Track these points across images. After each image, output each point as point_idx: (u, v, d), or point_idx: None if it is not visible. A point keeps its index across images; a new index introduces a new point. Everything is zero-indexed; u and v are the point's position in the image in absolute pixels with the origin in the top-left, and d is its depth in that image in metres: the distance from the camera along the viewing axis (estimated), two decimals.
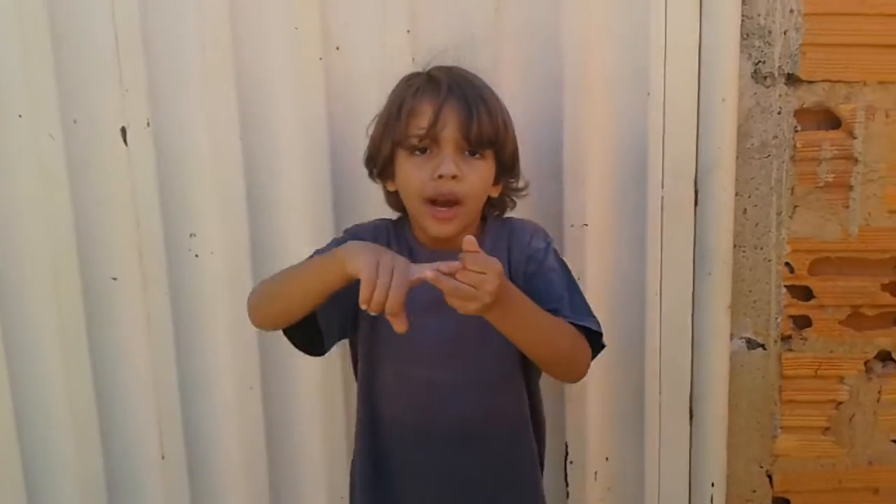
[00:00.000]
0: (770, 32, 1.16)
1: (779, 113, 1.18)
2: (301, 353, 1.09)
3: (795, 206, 1.21)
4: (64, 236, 1.15)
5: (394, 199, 0.99)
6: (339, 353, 1.19)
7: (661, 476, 1.26)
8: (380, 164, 0.96)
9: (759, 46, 1.16)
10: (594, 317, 0.95)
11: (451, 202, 0.91)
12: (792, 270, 1.23)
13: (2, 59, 1.09)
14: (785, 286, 1.23)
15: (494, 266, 0.78)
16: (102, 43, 1.09)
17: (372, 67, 1.12)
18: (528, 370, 1.00)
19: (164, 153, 1.13)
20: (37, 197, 1.13)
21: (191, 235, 1.17)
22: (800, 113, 1.18)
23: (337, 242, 0.98)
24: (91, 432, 1.21)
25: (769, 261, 1.22)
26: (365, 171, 1.14)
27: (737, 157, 1.17)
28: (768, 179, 1.20)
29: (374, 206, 1.16)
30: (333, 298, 0.88)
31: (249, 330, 1.17)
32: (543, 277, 0.95)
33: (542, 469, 1.04)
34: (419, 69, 0.97)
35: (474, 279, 0.77)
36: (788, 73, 1.17)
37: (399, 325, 0.77)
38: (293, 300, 0.89)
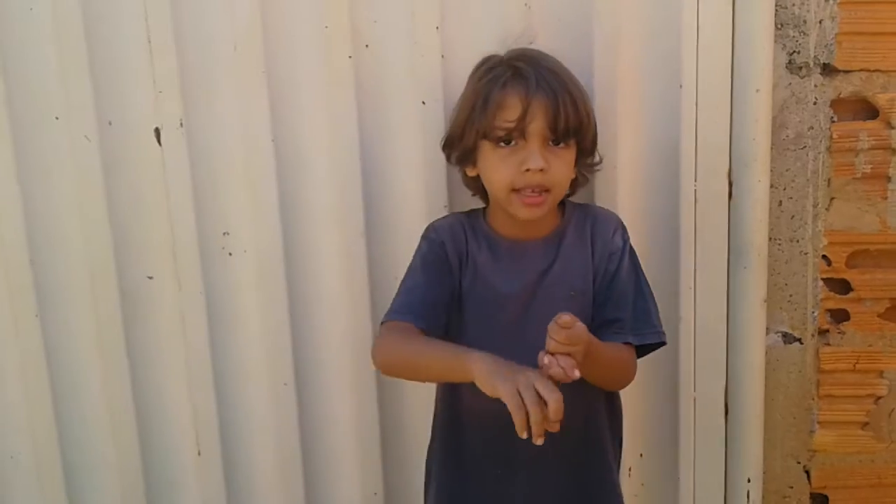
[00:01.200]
0: (805, 22, 1.14)
1: (814, 103, 1.16)
2: (335, 349, 1.15)
3: (832, 198, 1.19)
4: (100, 236, 1.16)
5: (472, 182, 1.02)
6: (370, 346, 1.20)
7: (696, 472, 1.25)
8: (461, 152, 0.98)
9: (793, 36, 1.14)
10: (654, 324, 0.99)
11: (540, 190, 0.94)
12: (829, 263, 1.21)
13: (39, 64, 1.11)
14: (822, 279, 1.21)
15: (581, 336, 0.82)
16: (136, 45, 1.10)
17: (402, 65, 1.12)
18: None
19: (197, 153, 1.14)
20: (73, 197, 1.15)
21: (224, 234, 1.18)
22: (836, 103, 1.16)
23: (422, 253, 1.02)
24: (128, 430, 1.23)
25: (805, 254, 1.21)
26: (394, 169, 1.16)
27: (772, 149, 1.16)
28: (804, 171, 1.18)
29: (403, 203, 1.17)
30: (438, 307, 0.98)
31: (282, 326, 1.20)
32: (618, 282, 1.00)
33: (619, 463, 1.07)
34: (495, 53, 0.98)
35: (570, 351, 0.81)
36: (824, 63, 1.15)
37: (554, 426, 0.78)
38: (419, 376, 0.99)
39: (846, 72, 1.15)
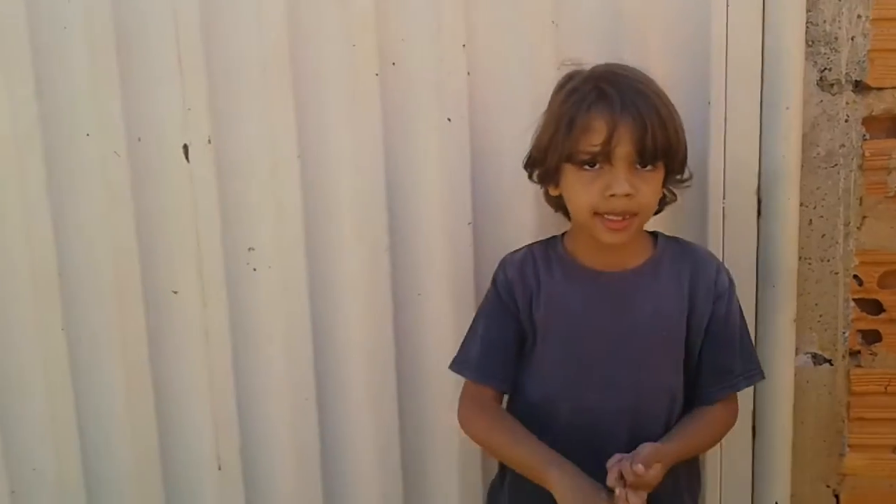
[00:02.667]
0: (836, 39, 1.12)
1: (846, 121, 1.14)
2: (357, 366, 1.17)
3: (864, 217, 1.17)
4: (127, 250, 1.18)
5: (554, 201, 0.99)
6: (393, 362, 1.20)
7: (722, 494, 1.23)
8: (543, 172, 0.96)
9: (824, 53, 1.13)
10: (757, 362, 1.01)
11: (626, 214, 0.90)
12: (860, 283, 1.18)
13: (71, 81, 1.13)
14: (853, 299, 1.19)
15: (654, 481, 0.84)
16: (166, 64, 1.12)
17: (428, 82, 1.12)
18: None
19: (224, 169, 1.15)
20: (102, 212, 1.17)
21: (249, 250, 1.18)
22: (868, 121, 1.14)
23: (492, 297, 1.01)
24: (150, 443, 1.23)
25: (836, 273, 1.18)
26: (419, 186, 1.16)
27: (802, 167, 1.14)
28: (835, 189, 1.16)
29: (427, 220, 1.17)
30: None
31: (304, 342, 1.20)
32: (728, 325, 0.98)
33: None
34: (575, 68, 0.95)
35: (646, 480, 0.83)
36: (856, 80, 1.13)
37: None
38: (501, 459, 1.02)
39: (878, 89, 1.13)
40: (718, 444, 1.21)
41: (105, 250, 1.18)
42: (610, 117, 0.87)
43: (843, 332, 1.20)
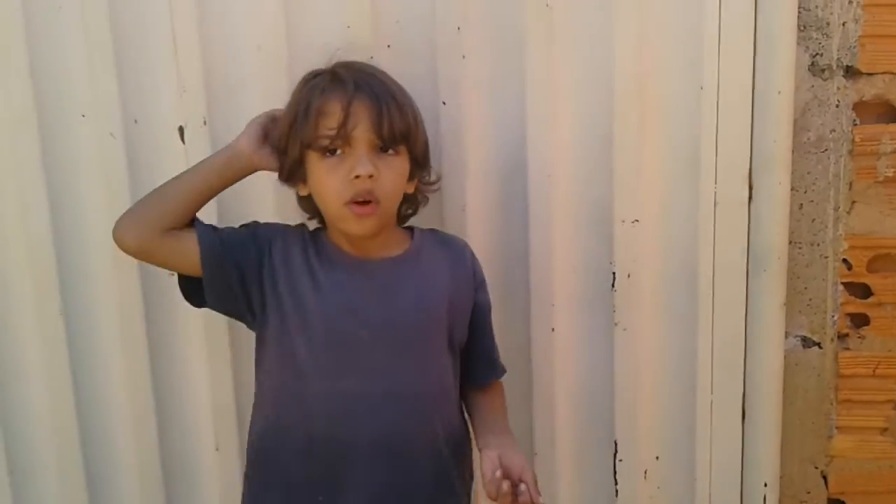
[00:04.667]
0: (828, 24, 1.13)
1: (837, 106, 1.16)
2: None
3: (853, 202, 1.18)
4: None
5: (306, 203, 0.98)
6: None
7: (712, 476, 1.25)
8: (288, 168, 0.94)
9: (816, 38, 1.14)
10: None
11: (370, 200, 0.89)
12: (849, 267, 1.20)
13: (67, 63, 1.13)
14: (842, 283, 1.20)
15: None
16: (161, 45, 1.12)
17: (423, 65, 1.13)
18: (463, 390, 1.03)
19: None
20: (98, 193, 1.17)
21: None
22: (858, 106, 1.16)
23: (255, 228, 0.99)
24: (148, 424, 1.24)
25: (826, 257, 1.20)
26: None
27: (793, 152, 1.15)
28: (825, 174, 1.18)
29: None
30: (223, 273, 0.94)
31: None
32: (486, 313, 1.03)
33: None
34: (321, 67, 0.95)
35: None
36: (847, 66, 1.14)
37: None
38: (179, 190, 0.97)
39: (869, 74, 1.14)
40: (708, 427, 1.23)
41: (102, 232, 1.18)
42: (345, 99, 0.87)
43: (833, 316, 1.22)
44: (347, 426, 0.93)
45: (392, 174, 0.90)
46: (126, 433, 1.25)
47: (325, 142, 0.89)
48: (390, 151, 0.90)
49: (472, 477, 1.06)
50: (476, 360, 1.03)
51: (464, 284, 1.00)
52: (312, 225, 1.03)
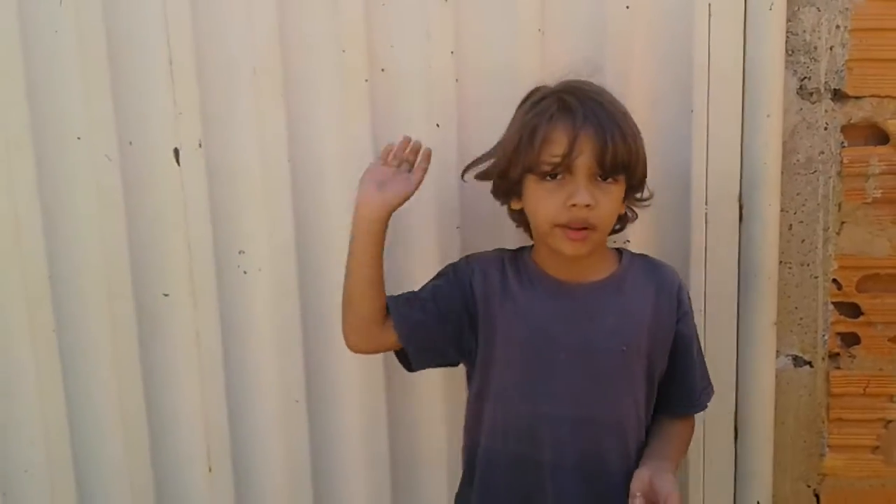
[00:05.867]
0: (816, 48, 1.15)
1: (825, 129, 1.17)
2: (347, 368, 1.17)
3: (843, 222, 1.20)
4: (118, 253, 1.18)
5: (517, 216, 1.00)
6: (382, 364, 1.21)
7: (705, 494, 1.25)
8: (506, 187, 0.96)
9: (804, 62, 1.16)
10: (710, 381, 1.04)
11: (585, 227, 0.91)
12: (839, 287, 1.21)
13: (62, 85, 1.14)
14: (832, 303, 1.22)
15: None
16: (157, 68, 1.13)
17: (417, 89, 1.14)
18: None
19: (215, 173, 1.16)
20: (93, 215, 1.17)
21: (240, 253, 1.19)
22: (846, 128, 1.17)
23: (454, 268, 1.02)
24: (141, 445, 1.24)
25: (816, 277, 1.21)
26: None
27: (782, 174, 1.17)
28: (815, 195, 1.19)
29: (416, 224, 1.18)
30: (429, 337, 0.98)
31: (295, 344, 1.21)
32: (690, 345, 1.01)
33: None
34: (545, 84, 0.96)
35: None
36: (835, 89, 1.16)
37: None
38: (359, 287, 0.99)
39: (857, 97, 1.16)
40: (701, 446, 1.24)
41: (96, 254, 1.19)
42: (572, 128, 0.89)
43: (823, 335, 1.23)
44: (543, 450, 0.95)
45: (609, 203, 0.92)
46: (119, 454, 1.25)
47: (548, 168, 0.90)
48: (609, 180, 0.91)
49: None
50: (671, 391, 1.01)
51: (666, 314, 0.98)
52: (515, 242, 1.05)
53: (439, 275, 1.03)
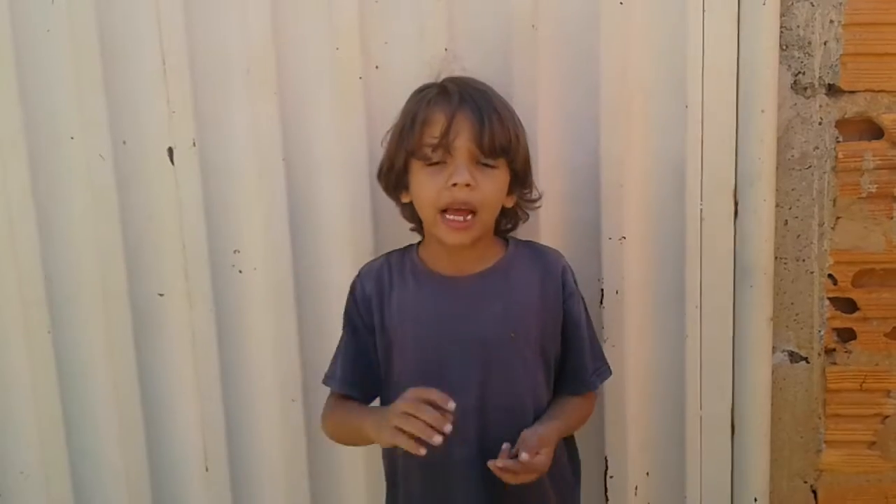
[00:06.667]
0: (810, 43, 1.15)
1: (819, 123, 1.17)
2: None
3: (838, 218, 1.19)
4: (113, 253, 1.18)
5: (408, 210, 1.01)
6: None
7: (702, 491, 1.25)
8: (394, 177, 0.98)
9: (798, 57, 1.16)
10: (605, 359, 1.05)
11: (466, 211, 0.92)
12: (835, 282, 1.21)
13: (56, 85, 1.14)
14: (828, 298, 1.21)
15: (546, 445, 0.90)
16: (150, 67, 1.13)
17: (411, 85, 1.12)
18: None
19: (209, 172, 1.16)
20: (87, 215, 1.17)
21: (235, 252, 1.19)
22: (841, 123, 1.17)
23: (348, 310, 1.03)
24: (138, 445, 1.24)
25: (811, 273, 1.21)
26: None
27: (777, 169, 1.17)
28: (810, 190, 1.19)
29: (406, 223, 1.18)
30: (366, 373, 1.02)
31: (291, 343, 1.21)
32: (579, 325, 1.02)
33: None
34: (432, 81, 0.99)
35: (537, 467, 0.88)
36: (829, 84, 1.16)
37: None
38: (350, 442, 1.06)
39: (851, 92, 1.16)
40: (698, 442, 1.24)
41: (91, 253, 1.19)
42: (448, 110, 0.91)
43: (819, 331, 1.23)
44: (451, 443, 0.92)
45: (490, 185, 0.93)
46: (115, 454, 1.25)
47: (428, 150, 0.92)
48: (490, 163, 0.93)
49: (572, 489, 1.07)
50: (563, 370, 1.03)
51: (552, 297, 1.00)
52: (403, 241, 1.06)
53: (348, 320, 1.04)
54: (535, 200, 1.03)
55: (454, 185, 0.90)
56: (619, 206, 1.17)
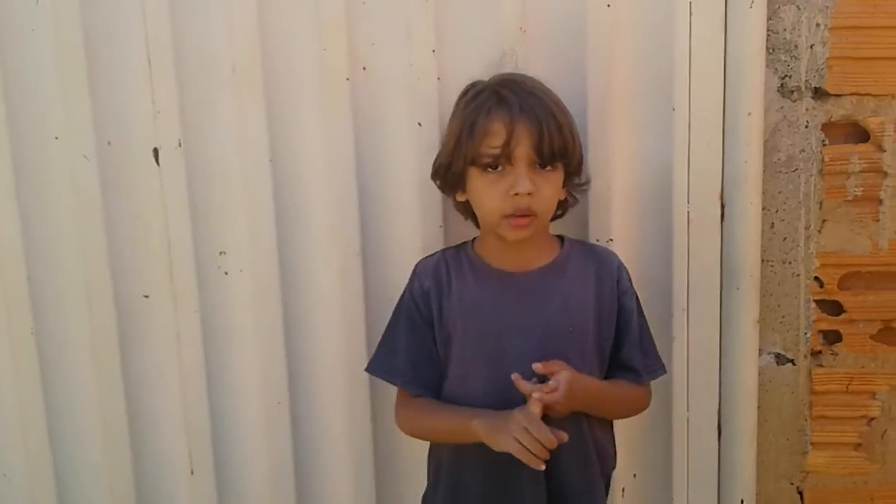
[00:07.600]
0: (796, 46, 1.15)
1: (806, 127, 1.18)
2: (329, 369, 1.19)
3: (824, 220, 1.20)
4: (97, 254, 1.17)
5: (462, 207, 1.04)
6: (365, 365, 1.20)
7: (689, 493, 1.25)
8: (451, 180, 1.00)
9: (785, 60, 1.16)
10: (659, 358, 1.05)
11: (528, 215, 0.95)
12: (821, 285, 1.21)
13: (39, 85, 1.12)
14: (814, 301, 1.22)
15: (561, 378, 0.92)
16: (135, 67, 1.12)
17: (398, 87, 1.14)
18: None
19: (194, 173, 1.15)
20: (72, 216, 1.16)
21: (220, 253, 1.18)
22: (827, 127, 1.18)
23: (406, 307, 1.04)
24: (122, 447, 1.23)
25: (798, 275, 1.21)
26: (390, 189, 1.17)
27: (764, 172, 1.17)
28: (796, 193, 1.19)
29: (399, 222, 1.18)
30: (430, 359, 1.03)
31: (276, 345, 1.20)
32: (632, 322, 1.03)
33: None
34: (480, 79, 1.00)
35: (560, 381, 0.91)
36: (815, 87, 1.16)
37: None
38: (437, 439, 1.06)
39: (837, 96, 1.16)
40: (685, 444, 1.24)
41: (75, 254, 1.18)
42: (509, 120, 0.93)
43: (805, 333, 1.23)
44: None
45: (549, 189, 0.96)
46: (99, 456, 1.23)
47: (489, 159, 0.94)
48: (548, 167, 0.95)
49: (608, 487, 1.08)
50: (616, 363, 1.04)
51: (608, 292, 1.03)
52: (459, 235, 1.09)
53: (407, 318, 1.04)
54: (583, 184, 1.05)
55: (516, 194, 0.93)
56: (607, 208, 1.17)
